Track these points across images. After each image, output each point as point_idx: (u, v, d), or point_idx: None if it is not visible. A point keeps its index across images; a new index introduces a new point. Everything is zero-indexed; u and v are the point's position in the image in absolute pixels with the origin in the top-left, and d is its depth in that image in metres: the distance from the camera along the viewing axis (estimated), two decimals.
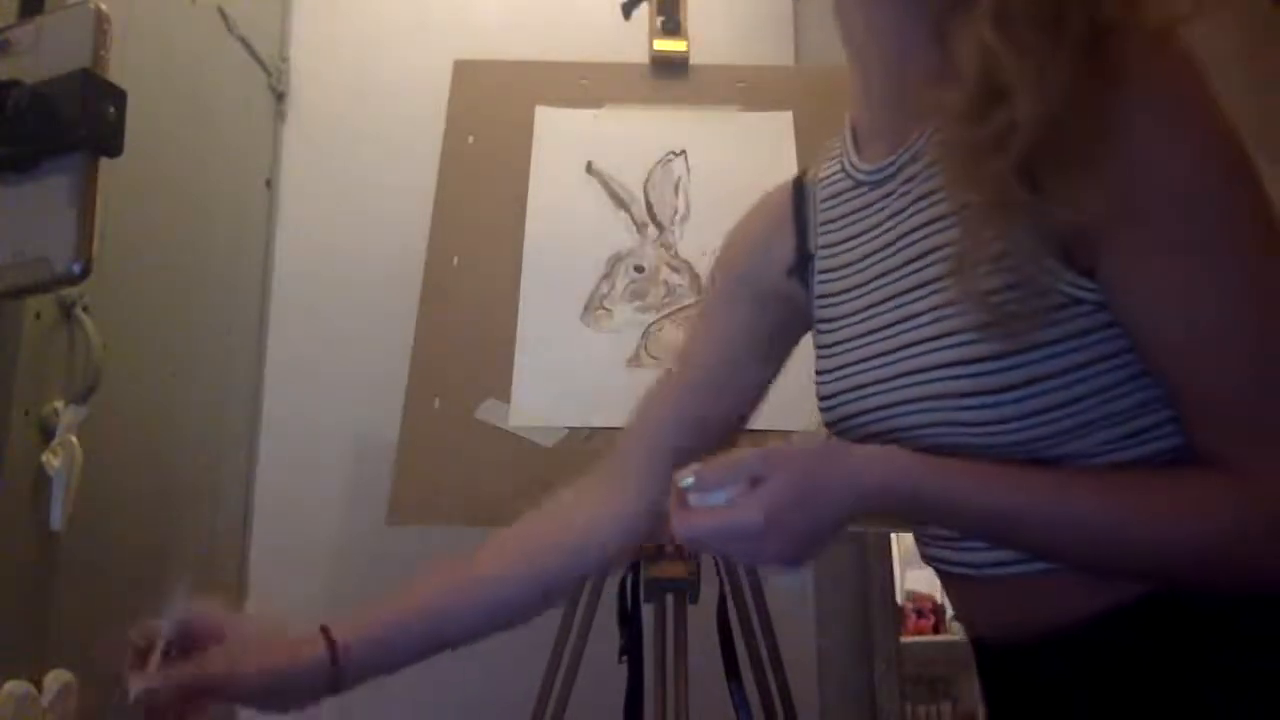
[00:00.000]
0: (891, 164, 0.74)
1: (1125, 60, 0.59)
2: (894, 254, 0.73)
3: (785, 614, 1.43)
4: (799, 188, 0.86)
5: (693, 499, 0.63)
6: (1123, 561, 0.61)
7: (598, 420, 1.33)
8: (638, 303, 1.44)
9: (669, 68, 1.63)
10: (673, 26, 1.63)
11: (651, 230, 1.49)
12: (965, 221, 0.64)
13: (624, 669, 1.29)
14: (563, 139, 1.56)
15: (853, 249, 0.77)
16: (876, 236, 0.75)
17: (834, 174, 0.82)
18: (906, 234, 0.72)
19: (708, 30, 1.73)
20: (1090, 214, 0.59)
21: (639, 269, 1.46)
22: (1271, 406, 0.58)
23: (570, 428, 1.32)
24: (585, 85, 1.62)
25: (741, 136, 1.58)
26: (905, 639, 2.01)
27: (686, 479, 0.63)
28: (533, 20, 2.03)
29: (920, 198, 0.71)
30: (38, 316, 1.20)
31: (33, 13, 0.87)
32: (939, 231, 0.68)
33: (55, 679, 1.18)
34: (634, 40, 1.64)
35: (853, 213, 0.78)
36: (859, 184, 0.78)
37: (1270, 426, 0.58)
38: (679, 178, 1.53)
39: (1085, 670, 0.65)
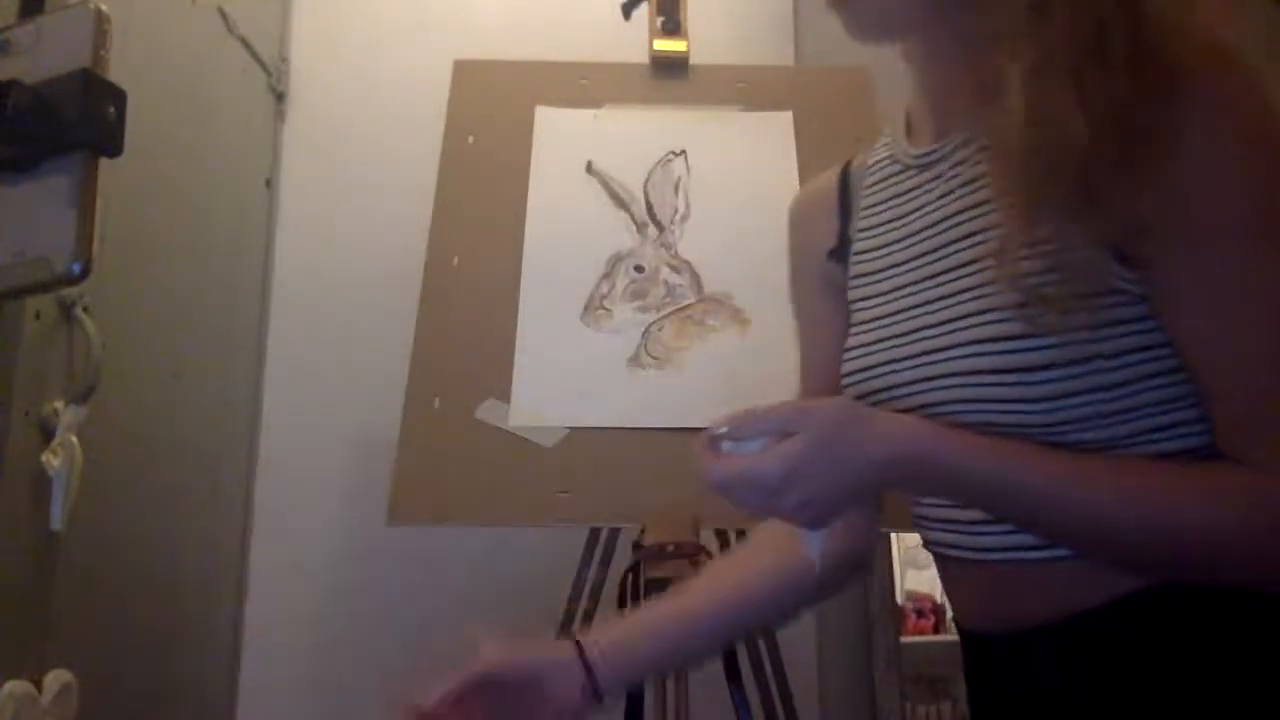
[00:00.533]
0: (939, 148, 0.76)
1: (1176, 70, 0.60)
2: (938, 234, 0.74)
3: None
4: (845, 175, 0.89)
5: (725, 447, 0.64)
6: (1138, 551, 0.62)
7: (598, 420, 1.33)
8: (638, 303, 1.44)
9: (669, 68, 1.63)
10: (673, 26, 1.63)
11: (651, 230, 1.49)
12: (1009, 211, 0.64)
13: None
14: (563, 139, 1.56)
15: (895, 229, 0.79)
16: (921, 217, 0.76)
17: (882, 159, 0.84)
18: (952, 215, 0.73)
19: (708, 30, 1.73)
20: (1141, 219, 0.60)
21: (639, 269, 1.46)
22: None
23: (570, 428, 1.32)
24: (585, 85, 1.62)
25: (741, 136, 1.58)
26: (905, 639, 2.01)
27: (721, 426, 0.64)
28: (533, 20, 2.03)
29: (968, 181, 0.72)
30: (38, 316, 1.20)
31: (33, 13, 0.87)
32: (984, 215, 0.69)
33: (55, 679, 1.18)
34: (634, 40, 1.64)
35: (899, 195, 0.80)
36: (907, 167, 0.80)
37: None
38: (679, 178, 1.53)
39: (1083, 663, 0.65)
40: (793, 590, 0.83)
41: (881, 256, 0.80)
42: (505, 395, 1.34)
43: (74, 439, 1.21)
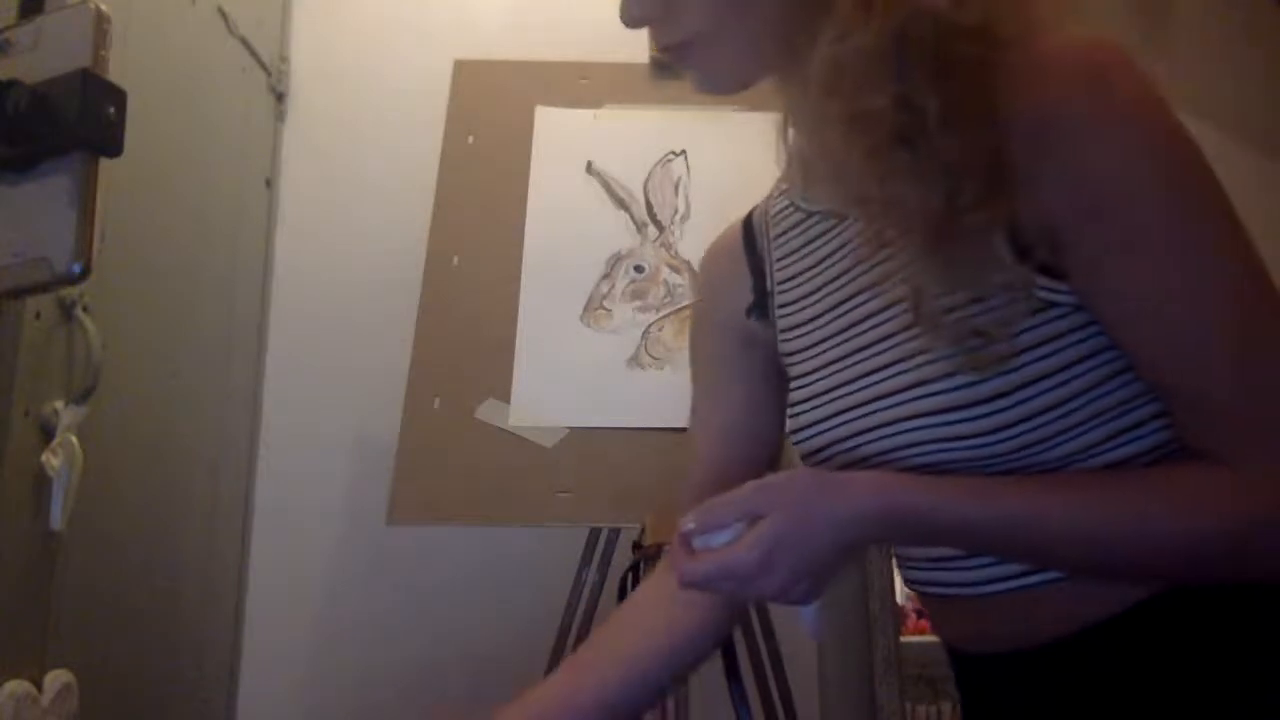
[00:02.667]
0: None
1: (1037, 79, 0.59)
2: (851, 281, 0.72)
3: (785, 614, 1.43)
4: (749, 226, 0.86)
5: (696, 542, 0.63)
6: (1124, 565, 0.61)
7: (598, 420, 1.33)
8: (638, 303, 1.44)
9: (669, 68, 1.62)
10: None
11: (651, 230, 1.49)
12: (915, 265, 0.63)
13: None
14: (563, 139, 1.56)
15: (810, 279, 0.77)
16: (832, 265, 0.74)
17: (785, 207, 0.82)
18: (861, 260, 0.71)
19: None
20: (1047, 233, 0.59)
21: (639, 269, 1.46)
22: (1250, 397, 0.58)
23: (570, 428, 1.32)
24: (585, 85, 1.62)
25: (741, 136, 1.58)
26: (905, 639, 2.01)
27: (688, 523, 0.63)
28: (533, 20, 2.03)
29: None
30: (38, 316, 1.20)
31: (33, 13, 0.87)
32: (894, 257, 0.67)
33: (55, 679, 1.18)
34: (634, 40, 1.63)
35: (807, 244, 0.78)
36: (810, 214, 0.78)
37: (1249, 419, 0.58)
38: (679, 178, 1.53)
39: (1089, 677, 0.65)
40: (682, 657, 0.79)
41: (805, 308, 0.77)
42: (505, 395, 1.35)
43: (74, 439, 1.21)
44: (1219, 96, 1.92)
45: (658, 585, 0.82)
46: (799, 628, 0.65)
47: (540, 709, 0.75)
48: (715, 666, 1.31)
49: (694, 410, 0.88)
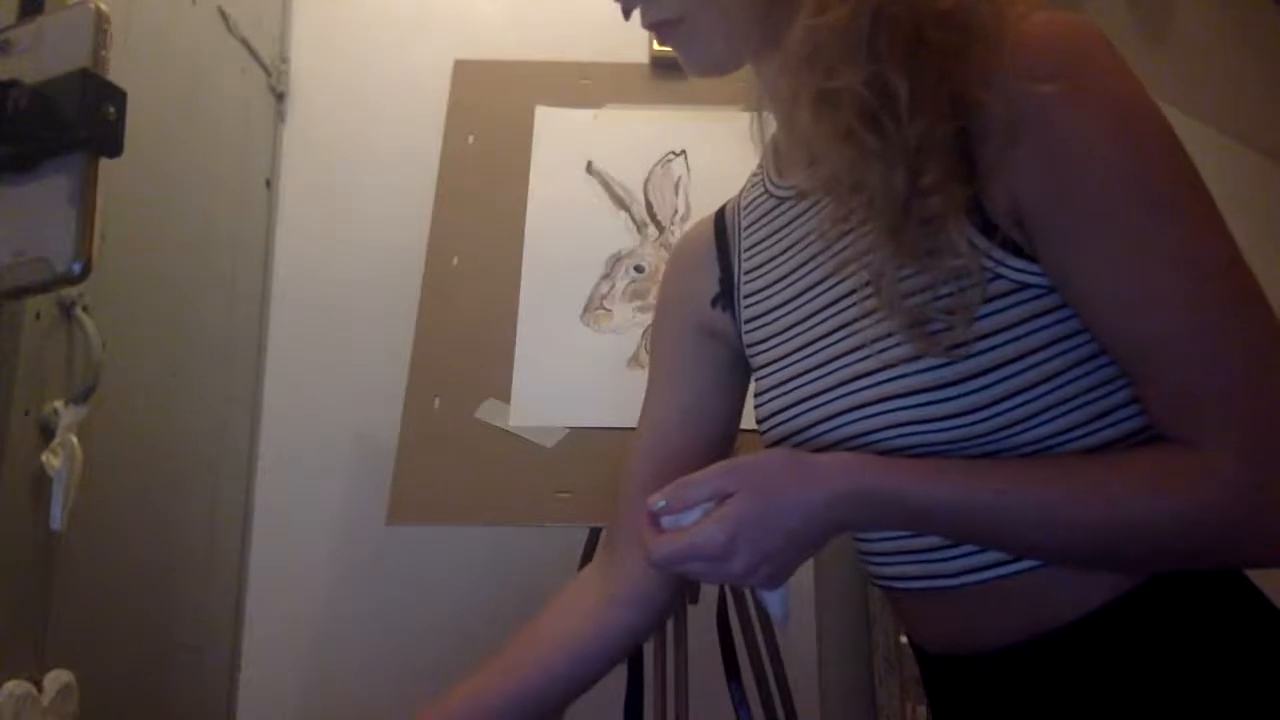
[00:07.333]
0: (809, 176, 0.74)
1: (1010, 62, 0.59)
2: (821, 265, 0.72)
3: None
4: (720, 218, 0.87)
5: (665, 521, 0.63)
6: (1098, 548, 0.60)
7: (598, 420, 1.33)
8: (638, 303, 1.44)
9: (669, 68, 1.63)
10: None
11: (651, 230, 1.49)
12: (876, 247, 0.63)
13: (624, 669, 1.29)
14: (563, 139, 1.56)
15: (779, 266, 0.77)
16: (801, 250, 0.75)
17: (757, 196, 0.82)
18: (832, 244, 0.71)
19: None
20: (1015, 213, 0.60)
21: (639, 269, 1.46)
22: (1216, 380, 0.57)
23: (570, 428, 1.32)
24: (585, 85, 1.62)
25: (741, 136, 1.57)
26: (905, 639, 2.02)
27: (658, 501, 0.63)
28: (533, 20, 2.03)
29: None
30: (38, 316, 1.20)
31: (33, 13, 0.87)
32: (858, 241, 0.67)
33: (55, 679, 1.18)
34: (634, 40, 1.63)
35: (777, 230, 0.78)
36: (781, 200, 0.78)
37: (1216, 400, 0.57)
38: (679, 178, 1.53)
39: (1055, 676, 0.64)
40: (599, 653, 0.81)
41: (773, 295, 0.77)
42: (505, 395, 1.35)
43: (74, 439, 1.21)
44: (1219, 96, 1.92)
45: (588, 576, 0.83)
46: (765, 606, 0.65)
47: (460, 707, 0.77)
48: (715, 666, 1.31)
49: (648, 393, 0.88)
